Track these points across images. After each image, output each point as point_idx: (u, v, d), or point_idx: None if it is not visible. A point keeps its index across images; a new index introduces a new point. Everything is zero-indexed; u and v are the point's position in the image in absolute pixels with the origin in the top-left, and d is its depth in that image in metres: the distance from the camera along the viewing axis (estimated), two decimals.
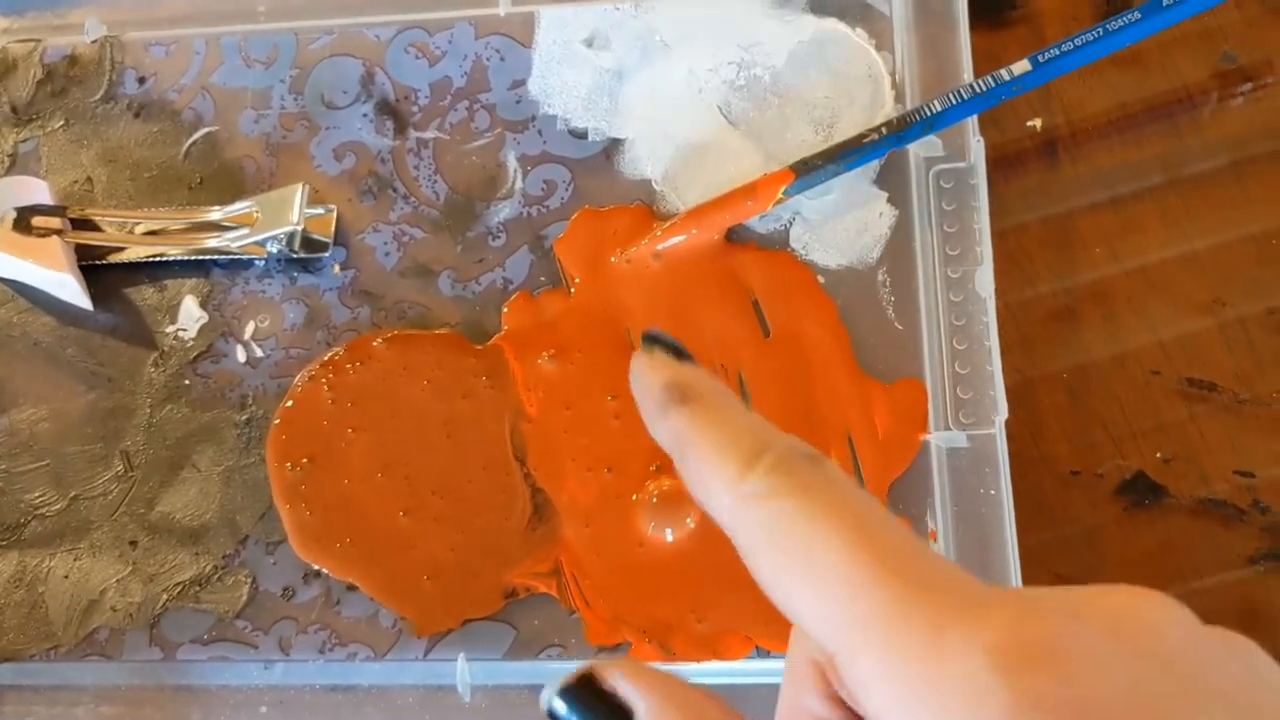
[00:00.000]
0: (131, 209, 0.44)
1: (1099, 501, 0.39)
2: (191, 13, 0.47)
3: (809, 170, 0.40)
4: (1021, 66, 0.40)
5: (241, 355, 0.42)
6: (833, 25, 0.43)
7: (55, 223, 0.43)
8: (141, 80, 0.46)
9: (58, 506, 0.41)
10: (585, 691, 0.19)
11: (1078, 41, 0.40)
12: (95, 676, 0.39)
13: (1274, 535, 0.39)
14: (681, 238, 0.41)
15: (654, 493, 0.39)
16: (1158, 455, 0.40)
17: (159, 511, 0.41)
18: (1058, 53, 0.40)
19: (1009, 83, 0.40)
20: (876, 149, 0.40)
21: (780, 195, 0.40)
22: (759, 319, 0.41)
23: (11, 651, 0.40)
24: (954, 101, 0.40)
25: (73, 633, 0.40)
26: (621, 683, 0.19)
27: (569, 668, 0.39)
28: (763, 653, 0.37)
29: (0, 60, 0.47)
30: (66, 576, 0.40)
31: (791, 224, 0.42)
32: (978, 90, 0.40)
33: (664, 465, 0.39)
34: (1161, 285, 0.42)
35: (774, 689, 0.36)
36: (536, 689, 0.37)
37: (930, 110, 0.40)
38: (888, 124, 0.40)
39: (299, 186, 0.42)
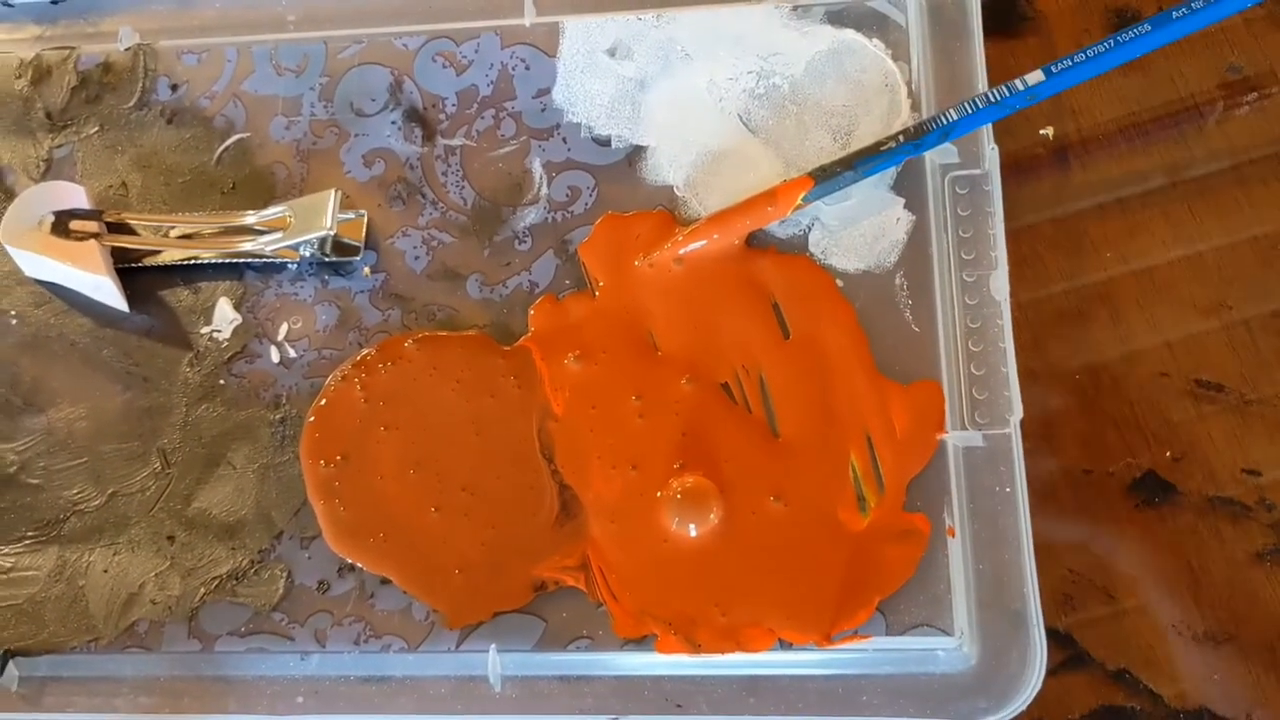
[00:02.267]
0: (165, 213, 0.45)
1: (1111, 499, 0.41)
2: (223, 22, 0.48)
3: (828, 177, 0.41)
4: (1035, 77, 0.41)
5: (275, 356, 0.43)
6: (850, 36, 0.44)
7: (92, 226, 0.44)
8: (174, 87, 0.47)
9: (96, 502, 0.42)
10: None
11: (1089, 53, 0.41)
12: (134, 668, 0.40)
13: None
14: (703, 243, 0.42)
15: (677, 490, 0.40)
16: (1167, 454, 0.41)
17: (196, 507, 0.42)
18: (1070, 64, 0.41)
19: (1023, 92, 0.41)
20: (894, 156, 0.41)
21: (799, 201, 0.41)
22: (779, 322, 0.42)
23: (53, 644, 0.41)
24: (969, 110, 0.41)
25: (113, 625, 0.41)
26: None
27: (598, 659, 0.40)
28: (785, 645, 0.38)
29: (35, 67, 0.48)
30: (106, 570, 0.41)
31: (810, 229, 0.43)
32: (992, 100, 0.41)
33: (687, 463, 0.40)
34: (1168, 288, 0.43)
35: (795, 680, 0.38)
36: (566, 680, 0.39)
37: (946, 119, 0.41)
38: (904, 132, 0.41)
39: (331, 192, 0.43)
